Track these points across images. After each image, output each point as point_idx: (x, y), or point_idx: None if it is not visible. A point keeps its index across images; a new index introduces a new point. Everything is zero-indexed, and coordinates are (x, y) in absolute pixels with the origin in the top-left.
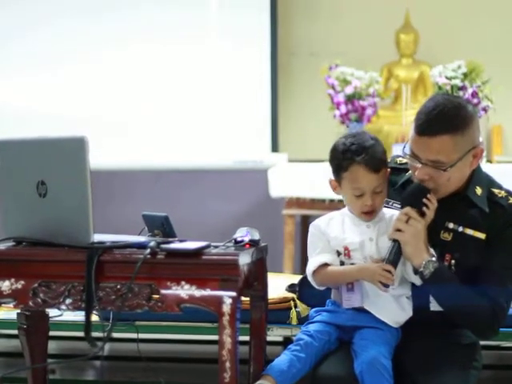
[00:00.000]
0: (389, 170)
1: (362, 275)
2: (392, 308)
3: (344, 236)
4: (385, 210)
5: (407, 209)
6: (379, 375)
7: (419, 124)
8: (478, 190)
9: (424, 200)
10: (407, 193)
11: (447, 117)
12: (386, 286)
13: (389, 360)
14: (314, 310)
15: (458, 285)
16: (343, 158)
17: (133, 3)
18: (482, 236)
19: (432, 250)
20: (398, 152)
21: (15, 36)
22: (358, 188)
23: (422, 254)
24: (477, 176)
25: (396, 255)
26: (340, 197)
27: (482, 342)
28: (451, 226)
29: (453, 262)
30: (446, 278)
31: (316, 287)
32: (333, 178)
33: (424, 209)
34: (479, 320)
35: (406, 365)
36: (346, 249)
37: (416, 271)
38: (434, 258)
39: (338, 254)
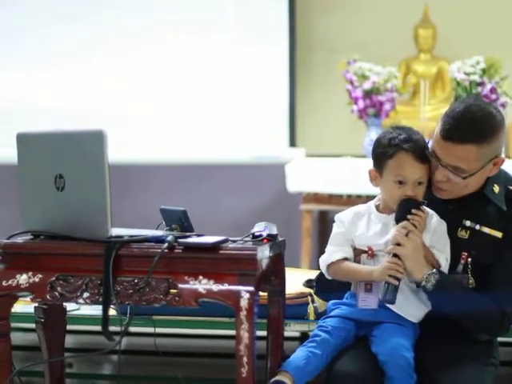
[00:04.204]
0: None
1: (372, 275)
2: (411, 302)
3: (368, 235)
4: None
5: (405, 223)
6: (399, 368)
7: (446, 128)
8: (496, 188)
9: (409, 216)
10: (398, 209)
11: (476, 126)
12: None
13: (410, 352)
14: (331, 302)
15: (463, 292)
16: (389, 145)
17: None
18: (498, 234)
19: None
20: None
21: (15, 35)
22: (401, 175)
23: (423, 268)
24: (495, 174)
25: (392, 292)
26: (359, 192)
27: (500, 339)
28: (468, 223)
29: (469, 260)
30: (449, 288)
31: (327, 277)
32: (373, 168)
33: (413, 221)
34: (489, 323)
35: (424, 362)
36: (369, 249)
37: (418, 285)
38: (434, 270)
39: (361, 252)
